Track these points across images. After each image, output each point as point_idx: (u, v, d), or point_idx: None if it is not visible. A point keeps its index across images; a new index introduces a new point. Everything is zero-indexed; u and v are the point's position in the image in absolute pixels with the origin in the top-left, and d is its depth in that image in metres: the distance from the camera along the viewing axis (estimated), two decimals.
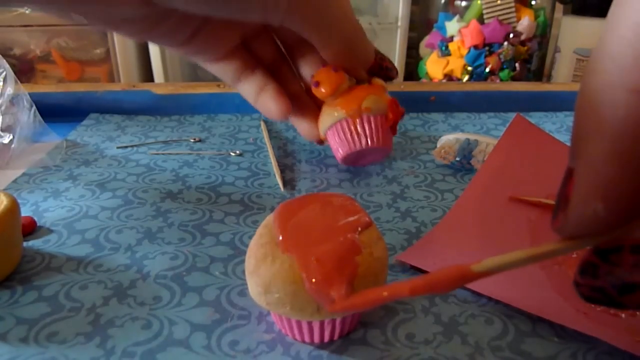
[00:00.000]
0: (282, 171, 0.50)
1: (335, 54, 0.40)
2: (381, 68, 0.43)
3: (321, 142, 0.47)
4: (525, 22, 1.20)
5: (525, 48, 1.23)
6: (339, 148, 0.45)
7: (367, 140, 0.44)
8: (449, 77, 1.25)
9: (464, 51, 1.22)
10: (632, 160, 0.14)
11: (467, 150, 0.49)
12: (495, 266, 0.18)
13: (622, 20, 0.14)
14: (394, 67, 0.43)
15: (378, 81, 0.46)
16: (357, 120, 0.44)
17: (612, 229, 0.15)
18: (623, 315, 0.29)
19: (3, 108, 0.51)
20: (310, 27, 0.36)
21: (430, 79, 1.31)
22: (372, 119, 0.44)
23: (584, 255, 0.16)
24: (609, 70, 0.14)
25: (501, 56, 1.20)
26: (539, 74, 1.31)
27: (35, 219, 0.40)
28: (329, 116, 0.45)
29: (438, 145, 0.51)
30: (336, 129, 0.45)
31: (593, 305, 0.16)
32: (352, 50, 0.41)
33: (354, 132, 0.44)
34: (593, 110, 0.15)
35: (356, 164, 0.49)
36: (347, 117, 0.44)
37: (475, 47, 1.21)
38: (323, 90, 0.43)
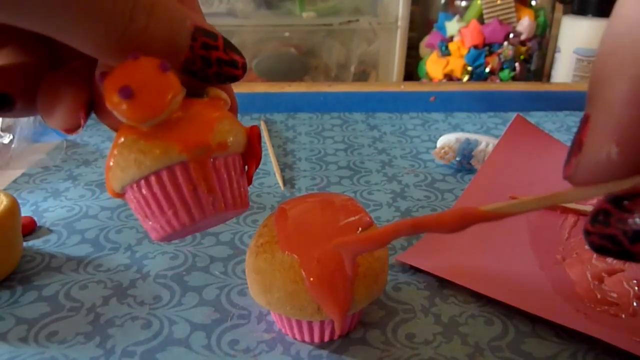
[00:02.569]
0: (281, 170, 0.50)
1: (93, 44, 0.18)
2: (208, 63, 0.19)
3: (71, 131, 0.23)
4: (525, 22, 1.20)
5: (525, 48, 1.23)
6: (162, 219, 0.22)
7: (222, 203, 0.22)
8: (449, 77, 1.25)
9: (464, 51, 1.22)
10: None
11: (467, 150, 0.49)
12: (504, 208, 0.18)
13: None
14: (240, 57, 0.20)
15: (217, 93, 0.22)
16: (207, 165, 0.21)
17: (625, 175, 0.15)
18: (623, 316, 0.29)
19: None
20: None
21: (430, 79, 1.31)
22: (230, 161, 0.22)
23: (596, 203, 0.15)
24: (631, 13, 0.14)
25: (501, 56, 1.20)
26: (539, 74, 1.31)
27: (35, 219, 0.40)
28: (148, 157, 0.20)
29: (438, 145, 0.51)
30: (159, 183, 0.21)
31: (602, 256, 0.15)
32: (129, 34, 0.18)
33: (198, 187, 0.21)
34: (614, 52, 0.15)
35: (183, 235, 0.24)
36: (188, 161, 0.21)
37: (475, 47, 1.21)
38: (139, 107, 0.19)
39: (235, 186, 0.22)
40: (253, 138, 0.23)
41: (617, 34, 0.15)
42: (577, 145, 0.16)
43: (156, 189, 0.21)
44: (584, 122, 0.16)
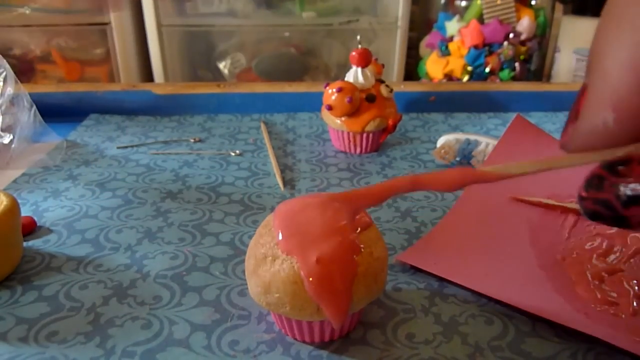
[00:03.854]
0: (282, 171, 0.50)
1: None
2: None
3: None
4: (525, 22, 1.20)
5: (525, 48, 1.23)
6: (335, 143, 0.55)
7: (361, 150, 0.54)
8: (449, 77, 1.25)
9: (464, 51, 1.22)
10: None
11: (467, 150, 0.49)
12: (502, 170, 0.18)
13: None
14: None
15: (384, 92, 0.52)
16: (357, 136, 0.52)
17: (620, 142, 0.15)
18: (623, 316, 0.29)
19: (3, 108, 0.51)
20: None
21: (430, 79, 1.31)
22: (370, 135, 0.52)
23: (591, 169, 0.15)
24: None
25: (501, 56, 1.20)
26: (539, 74, 1.31)
27: (35, 218, 0.40)
28: (335, 124, 0.53)
29: (438, 145, 0.51)
30: (338, 133, 0.53)
31: (596, 222, 0.15)
32: None
33: (351, 141, 0.53)
34: (612, 22, 0.15)
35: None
36: (350, 132, 0.52)
37: (475, 47, 1.21)
38: (333, 113, 0.51)
39: (370, 145, 0.54)
40: (390, 122, 0.52)
41: (617, 5, 0.15)
42: (574, 113, 0.16)
43: (339, 134, 0.54)
44: (582, 91, 0.16)
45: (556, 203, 0.38)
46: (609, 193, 0.15)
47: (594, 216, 0.15)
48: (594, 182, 0.15)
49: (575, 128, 0.16)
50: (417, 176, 0.20)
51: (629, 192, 0.14)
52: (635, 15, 0.14)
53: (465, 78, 1.24)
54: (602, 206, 0.15)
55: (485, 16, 1.22)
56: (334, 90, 0.50)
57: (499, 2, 1.20)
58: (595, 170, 0.15)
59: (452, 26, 1.26)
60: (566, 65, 1.16)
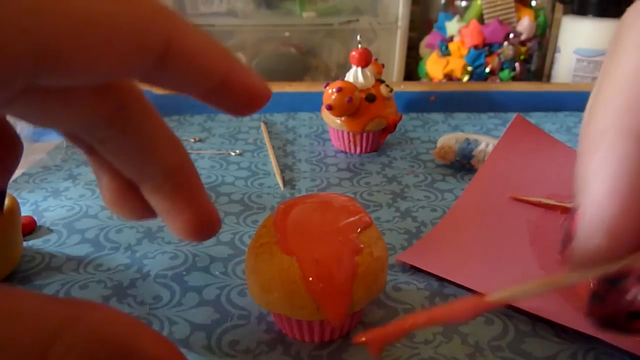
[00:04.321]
0: (282, 171, 0.50)
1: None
2: None
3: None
4: (525, 22, 1.20)
5: (525, 48, 1.22)
6: (335, 143, 0.56)
7: (361, 150, 0.54)
8: (449, 77, 1.25)
9: (464, 51, 1.22)
10: (630, 198, 0.15)
11: (467, 150, 0.49)
12: (509, 296, 0.19)
13: (615, 71, 0.16)
14: None
15: (384, 92, 0.52)
16: (357, 136, 0.53)
17: (615, 261, 0.16)
18: None
19: None
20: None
21: (430, 79, 1.31)
22: (370, 135, 0.53)
23: (593, 284, 0.17)
24: (605, 115, 0.16)
25: (501, 56, 1.20)
26: (539, 74, 1.31)
27: (35, 218, 0.40)
28: (335, 124, 0.53)
29: (438, 145, 0.51)
30: (338, 133, 0.53)
31: (606, 331, 0.17)
32: None
33: (351, 141, 0.53)
34: (594, 151, 0.16)
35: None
36: (349, 131, 0.52)
37: (475, 47, 1.21)
38: (333, 113, 0.51)
39: (371, 144, 0.55)
40: (390, 123, 0.53)
41: (594, 134, 0.16)
42: (569, 235, 0.17)
43: (339, 134, 0.54)
44: (573, 213, 0.17)
45: (556, 203, 0.38)
46: (613, 309, 0.16)
47: (603, 328, 0.17)
48: (598, 298, 0.16)
49: (573, 250, 0.17)
50: (433, 315, 0.21)
51: (629, 309, 0.15)
52: (613, 144, 0.15)
53: (465, 78, 1.24)
54: (609, 320, 0.16)
55: (485, 16, 1.22)
56: (334, 90, 0.50)
57: (499, 2, 1.20)
58: (597, 287, 0.16)
59: (452, 26, 1.26)
60: (566, 66, 1.15)
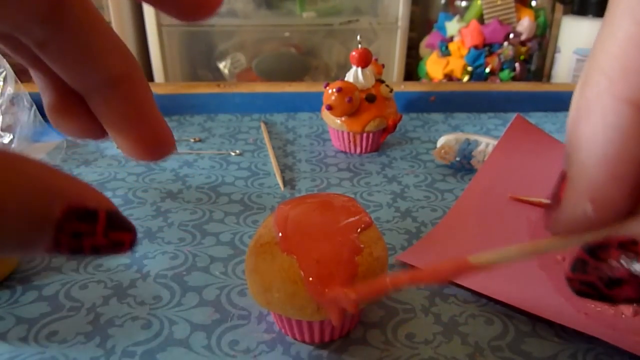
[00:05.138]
0: (282, 171, 0.50)
1: None
2: (79, 251, 0.15)
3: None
4: (525, 23, 1.20)
5: (525, 48, 1.23)
6: (335, 143, 0.55)
7: (361, 150, 0.54)
8: (449, 77, 1.25)
9: (464, 51, 1.22)
10: (619, 166, 0.15)
11: (467, 150, 0.49)
12: (491, 259, 0.20)
13: (610, 38, 0.16)
14: (128, 233, 0.16)
15: (384, 92, 0.52)
16: (357, 136, 0.53)
17: (600, 228, 0.16)
18: (623, 316, 0.29)
19: (3, 108, 0.51)
20: None
21: (430, 79, 1.31)
22: (370, 135, 0.53)
23: (575, 252, 0.17)
24: (600, 82, 0.16)
25: (501, 56, 1.20)
26: (539, 74, 1.31)
27: None
28: (335, 124, 0.53)
29: (438, 145, 0.51)
30: (338, 133, 0.53)
31: (586, 300, 0.17)
32: None
33: (351, 141, 0.53)
34: (585, 118, 0.16)
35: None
36: (350, 132, 0.52)
37: (475, 47, 1.21)
38: (333, 113, 0.51)
39: (371, 144, 0.55)
40: (390, 123, 0.53)
41: (587, 100, 0.16)
42: (556, 201, 0.18)
43: (339, 134, 0.54)
44: (562, 178, 0.17)
45: None
46: (593, 276, 0.16)
47: (583, 294, 0.17)
48: (579, 265, 0.17)
49: (558, 216, 0.17)
50: (415, 275, 0.22)
51: (610, 275, 0.15)
52: (605, 111, 0.16)
53: (465, 78, 1.24)
54: (588, 287, 0.16)
55: (485, 16, 1.22)
56: (334, 90, 0.50)
57: (499, 2, 1.20)
58: (578, 254, 0.17)
59: (452, 26, 1.26)
60: (566, 66, 1.16)
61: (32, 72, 0.19)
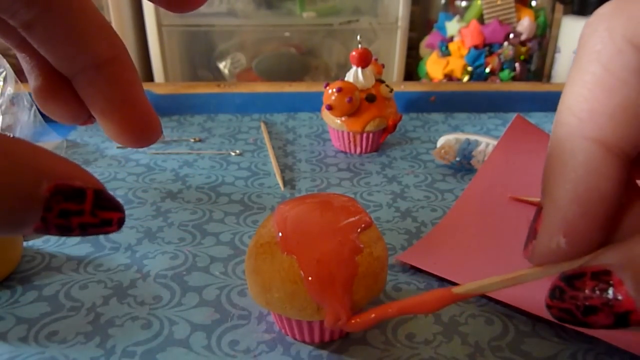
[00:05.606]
0: (282, 171, 0.50)
1: None
2: (68, 230, 0.15)
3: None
4: (525, 23, 1.20)
5: (525, 48, 1.23)
6: (335, 143, 0.55)
7: (361, 150, 0.54)
8: (449, 77, 1.25)
9: (464, 51, 1.22)
10: (589, 203, 0.16)
11: (467, 150, 0.49)
12: (472, 289, 0.21)
13: (579, 81, 0.17)
14: (116, 211, 0.17)
15: (384, 92, 0.52)
16: (357, 136, 0.53)
17: (573, 259, 0.17)
18: None
19: (3, 108, 0.51)
20: None
21: (430, 79, 1.31)
22: (370, 135, 0.53)
23: (552, 280, 0.18)
24: (570, 122, 0.17)
25: (501, 56, 1.20)
26: (539, 74, 1.31)
27: None
28: (335, 124, 0.53)
29: (438, 145, 0.51)
30: (338, 133, 0.53)
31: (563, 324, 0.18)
32: None
33: (351, 141, 0.53)
34: (558, 156, 0.17)
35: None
36: (350, 132, 0.52)
37: (476, 47, 1.21)
38: (333, 113, 0.51)
39: (372, 144, 0.55)
40: (390, 123, 0.53)
41: (559, 139, 0.17)
42: (533, 233, 0.19)
43: (339, 134, 0.54)
44: (538, 212, 0.19)
45: None
46: (570, 304, 0.17)
47: (562, 320, 0.17)
48: (557, 292, 0.17)
49: (535, 248, 0.19)
50: (403, 304, 0.23)
51: (585, 304, 0.16)
52: (574, 150, 0.17)
53: (466, 78, 1.24)
54: (566, 314, 0.17)
55: (485, 16, 1.22)
56: (334, 90, 0.50)
57: (499, 2, 1.20)
58: (556, 282, 0.18)
59: (452, 26, 1.26)
60: (566, 66, 1.16)
61: (19, 55, 0.19)
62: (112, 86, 0.18)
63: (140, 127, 0.18)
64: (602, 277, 0.16)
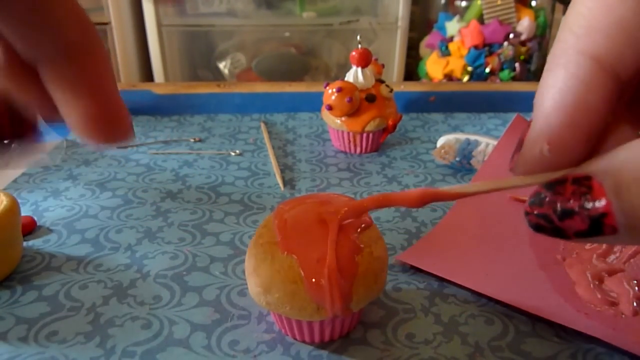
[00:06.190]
0: (282, 171, 0.50)
1: None
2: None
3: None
4: (525, 23, 1.20)
5: (525, 48, 1.23)
6: (335, 143, 0.55)
7: (361, 150, 0.54)
8: (449, 77, 1.25)
9: (464, 51, 1.22)
10: (575, 113, 0.17)
11: (467, 150, 0.49)
12: (455, 191, 0.21)
13: (579, 1, 0.18)
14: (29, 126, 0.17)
15: (384, 92, 0.52)
16: (357, 136, 0.53)
17: (556, 167, 0.18)
18: (623, 316, 0.29)
19: None
20: None
21: (430, 79, 1.31)
22: (370, 135, 0.53)
23: (534, 189, 0.18)
24: (567, 39, 0.18)
25: (501, 56, 1.20)
26: (539, 74, 1.32)
27: (35, 218, 0.40)
28: (335, 124, 0.53)
29: (438, 145, 0.51)
30: (338, 133, 0.53)
31: (544, 238, 0.19)
32: None
33: (351, 141, 0.53)
34: (551, 69, 0.18)
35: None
36: (350, 132, 0.52)
37: (475, 47, 1.21)
38: (333, 113, 0.51)
39: (372, 144, 0.55)
40: (390, 123, 0.53)
41: (554, 54, 0.18)
42: (519, 145, 0.19)
43: (339, 134, 0.54)
44: (527, 126, 0.19)
45: None
46: (548, 208, 0.17)
47: (537, 228, 0.18)
48: (537, 199, 0.18)
49: (520, 156, 0.19)
50: (385, 194, 0.24)
51: (563, 207, 0.17)
52: (568, 63, 0.17)
53: (465, 78, 1.24)
54: (543, 219, 0.17)
55: (485, 16, 1.22)
56: (334, 90, 0.50)
57: (499, 2, 1.20)
58: (537, 189, 0.18)
59: (452, 26, 1.26)
60: None
61: None
62: (79, 75, 0.17)
63: (106, 121, 0.17)
64: (583, 181, 0.16)
